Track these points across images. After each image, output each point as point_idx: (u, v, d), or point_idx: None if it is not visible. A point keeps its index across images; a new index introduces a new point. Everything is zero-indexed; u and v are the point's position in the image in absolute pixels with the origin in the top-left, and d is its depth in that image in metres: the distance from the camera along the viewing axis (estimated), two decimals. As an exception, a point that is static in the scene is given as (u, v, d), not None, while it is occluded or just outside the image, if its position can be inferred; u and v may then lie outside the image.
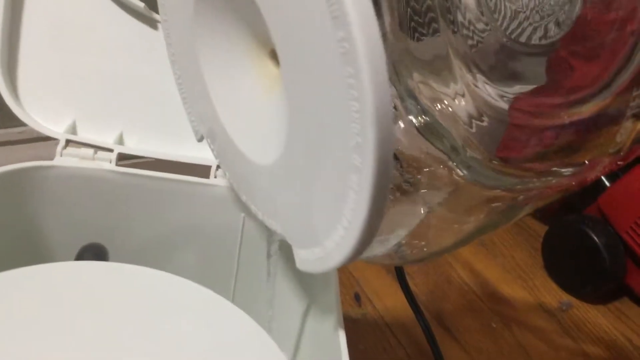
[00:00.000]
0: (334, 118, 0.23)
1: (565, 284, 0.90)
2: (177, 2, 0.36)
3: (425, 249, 0.36)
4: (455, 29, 0.31)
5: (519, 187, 0.30)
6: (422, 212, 0.34)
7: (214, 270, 0.46)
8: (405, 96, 0.31)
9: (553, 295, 0.89)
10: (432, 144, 0.31)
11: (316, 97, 0.25)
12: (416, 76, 0.31)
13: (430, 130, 0.31)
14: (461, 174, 0.31)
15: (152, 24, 0.46)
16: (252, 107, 0.35)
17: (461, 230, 0.35)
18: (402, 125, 0.33)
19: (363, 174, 0.22)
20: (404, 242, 0.35)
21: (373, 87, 0.20)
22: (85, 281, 0.34)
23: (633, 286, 0.86)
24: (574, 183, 0.30)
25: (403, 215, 0.34)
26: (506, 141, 0.31)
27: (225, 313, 0.35)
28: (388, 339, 0.78)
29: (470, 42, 0.31)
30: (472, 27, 0.31)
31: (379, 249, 0.35)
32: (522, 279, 0.91)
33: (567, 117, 0.30)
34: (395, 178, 0.33)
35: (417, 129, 0.31)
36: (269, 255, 0.39)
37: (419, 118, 0.31)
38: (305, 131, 0.27)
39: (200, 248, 0.46)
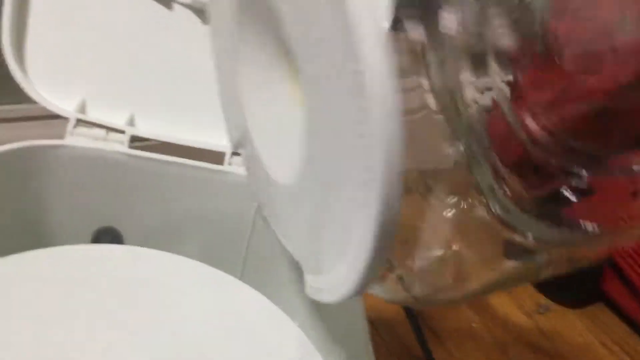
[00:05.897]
0: (345, 151, 0.22)
1: (544, 287, 0.91)
2: (223, 13, 0.35)
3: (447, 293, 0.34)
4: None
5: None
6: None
7: (220, 256, 0.45)
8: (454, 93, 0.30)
9: (531, 297, 0.91)
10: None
11: (330, 128, 0.24)
12: (465, 75, 0.30)
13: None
14: (494, 212, 0.28)
15: (167, 4, 0.45)
16: (280, 126, 0.34)
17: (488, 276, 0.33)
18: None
19: (369, 214, 0.20)
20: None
21: (381, 123, 0.18)
22: (107, 264, 0.33)
23: (608, 291, 0.88)
24: None
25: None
26: None
27: (243, 296, 0.35)
28: (372, 336, 0.78)
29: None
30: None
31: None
32: (501, 281, 0.92)
33: None
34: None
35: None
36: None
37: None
38: (320, 161, 0.26)
39: (209, 234, 0.45)
